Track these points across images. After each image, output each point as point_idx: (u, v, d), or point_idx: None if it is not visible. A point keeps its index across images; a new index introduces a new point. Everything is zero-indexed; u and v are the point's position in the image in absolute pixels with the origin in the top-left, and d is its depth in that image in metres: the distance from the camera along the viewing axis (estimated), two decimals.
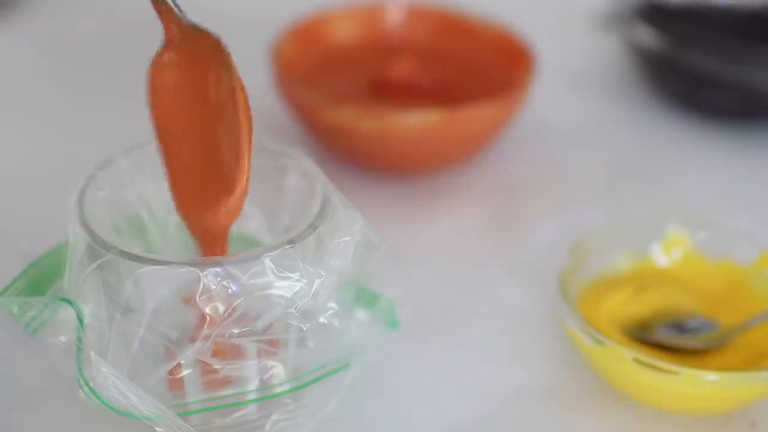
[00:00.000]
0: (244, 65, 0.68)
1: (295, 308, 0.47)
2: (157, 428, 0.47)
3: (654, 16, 0.80)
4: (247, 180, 0.46)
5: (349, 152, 0.70)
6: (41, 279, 0.49)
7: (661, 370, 0.51)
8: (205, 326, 0.46)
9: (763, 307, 0.57)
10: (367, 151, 0.68)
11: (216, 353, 0.47)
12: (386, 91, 0.72)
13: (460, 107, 0.67)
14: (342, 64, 0.76)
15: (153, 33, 0.57)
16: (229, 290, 0.45)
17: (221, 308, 0.45)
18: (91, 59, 0.83)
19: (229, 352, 0.47)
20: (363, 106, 0.67)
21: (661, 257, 0.60)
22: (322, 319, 0.48)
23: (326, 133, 0.69)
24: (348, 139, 0.68)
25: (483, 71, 0.76)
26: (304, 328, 0.48)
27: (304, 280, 0.46)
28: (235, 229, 0.54)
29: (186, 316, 0.46)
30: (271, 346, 0.48)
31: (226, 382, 0.48)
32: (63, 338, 0.48)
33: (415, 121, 0.66)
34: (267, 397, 0.49)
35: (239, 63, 0.64)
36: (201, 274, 0.45)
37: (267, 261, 0.45)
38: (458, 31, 0.78)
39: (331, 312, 0.48)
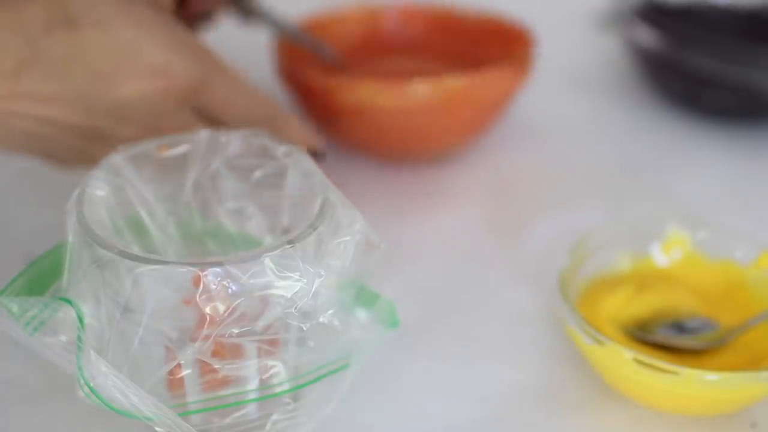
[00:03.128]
0: (245, 61, 0.68)
1: (295, 308, 0.47)
2: (157, 428, 0.47)
3: (654, 16, 0.80)
4: None
5: (369, 132, 0.69)
6: (41, 279, 0.49)
7: (661, 370, 0.51)
8: (205, 326, 0.46)
9: (763, 307, 0.57)
10: (389, 127, 0.68)
11: (216, 353, 0.47)
12: None
13: (479, 71, 0.68)
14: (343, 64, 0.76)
15: None
16: (229, 290, 0.45)
17: (221, 308, 0.45)
18: None
19: (229, 352, 0.47)
20: (381, 81, 0.67)
21: (661, 257, 0.60)
22: (322, 319, 0.48)
23: (342, 115, 0.68)
24: (368, 117, 0.67)
25: (481, 59, 0.76)
26: (304, 328, 0.48)
27: (304, 280, 0.46)
28: (235, 229, 0.54)
29: (186, 316, 0.46)
30: (271, 346, 0.48)
31: (226, 382, 0.48)
32: (63, 338, 0.48)
33: (437, 90, 0.66)
34: (267, 396, 0.49)
35: (240, 58, 0.64)
36: (201, 274, 0.45)
37: (267, 261, 0.45)
38: (454, 25, 0.78)
39: (331, 312, 0.48)
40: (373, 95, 0.66)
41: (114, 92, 0.54)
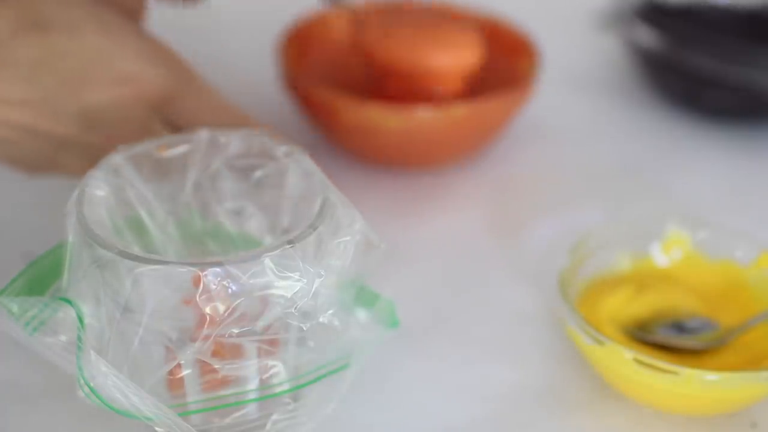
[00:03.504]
0: (248, 62, 0.68)
1: (295, 308, 0.47)
2: (157, 428, 0.47)
3: (654, 16, 0.80)
4: None
5: (371, 147, 0.70)
6: (41, 279, 0.49)
7: (661, 370, 0.51)
8: (205, 326, 0.46)
9: (763, 307, 0.57)
10: (393, 144, 0.69)
11: (216, 353, 0.47)
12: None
13: (482, 100, 0.68)
14: (345, 62, 0.76)
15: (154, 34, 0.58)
16: (229, 290, 0.45)
17: (221, 308, 0.45)
18: None
19: (229, 352, 0.47)
20: (388, 105, 0.68)
21: (661, 257, 0.60)
22: (322, 319, 0.48)
23: (345, 130, 0.69)
24: (372, 135, 0.68)
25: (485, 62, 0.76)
26: (304, 328, 0.48)
27: (304, 280, 0.46)
28: (235, 229, 0.54)
29: (186, 316, 0.46)
30: (271, 346, 0.48)
31: (226, 382, 0.48)
32: (63, 338, 0.48)
33: (442, 116, 0.67)
34: (267, 396, 0.49)
35: (244, 61, 0.64)
36: (201, 274, 0.45)
37: (267, 261, 0.45)
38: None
39: (331, 312, 0.48)
40: (378, 118, 0.66)
41: (82, 98, 0.53)
